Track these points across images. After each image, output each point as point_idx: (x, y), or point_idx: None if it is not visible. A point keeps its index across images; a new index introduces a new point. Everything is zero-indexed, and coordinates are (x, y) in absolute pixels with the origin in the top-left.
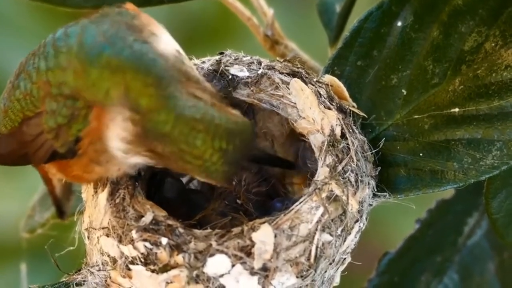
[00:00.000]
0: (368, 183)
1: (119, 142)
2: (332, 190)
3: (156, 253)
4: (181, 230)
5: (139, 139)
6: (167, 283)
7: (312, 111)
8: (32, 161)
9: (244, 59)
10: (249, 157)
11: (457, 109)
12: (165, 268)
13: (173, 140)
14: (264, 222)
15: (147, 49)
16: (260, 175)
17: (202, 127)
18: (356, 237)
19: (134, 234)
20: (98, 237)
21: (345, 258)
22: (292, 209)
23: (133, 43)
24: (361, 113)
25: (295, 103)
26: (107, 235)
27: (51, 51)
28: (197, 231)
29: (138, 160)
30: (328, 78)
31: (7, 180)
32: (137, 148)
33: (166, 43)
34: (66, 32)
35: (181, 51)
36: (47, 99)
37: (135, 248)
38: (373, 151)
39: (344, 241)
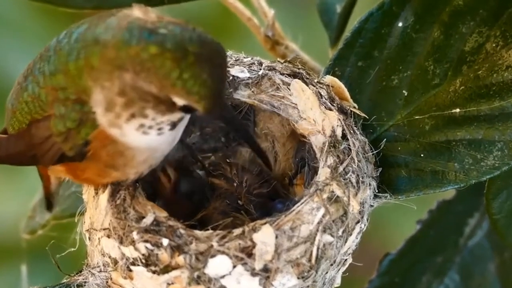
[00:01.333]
0: (369, 184)
1: (108, 114)
2: (333, 191)
3: (157, 254)
4: (182, 231)
5: (112, 86)
6: (168, 284)
7: (313, 112)
8: (41, 163)
9: (245, 60)
10: (225, 97)
11: (458, 110)
12: (166, 269)
13: (143, 50)
14: (265, 223)
15: (109, 19)
16: (261, 176)
17: (166, 31)
18: (357, 238)
19: (135, 235)
20: (99, 238)
21: (346, 259)
22: (293, 210)
23: (107, 21)
24: (362, 114)
25: (296, 104)
26: (108, 236)
27: (53, 55)
28: (198, 232)
29: (130, 128)
30: (329, 78)
31: (7, 180)
32: (116, 101)
33: (132, 8)
34: (66, 35)
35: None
36: (55, 103)
37: (136, 249)
38: (374, 152)
39: (345, 242)
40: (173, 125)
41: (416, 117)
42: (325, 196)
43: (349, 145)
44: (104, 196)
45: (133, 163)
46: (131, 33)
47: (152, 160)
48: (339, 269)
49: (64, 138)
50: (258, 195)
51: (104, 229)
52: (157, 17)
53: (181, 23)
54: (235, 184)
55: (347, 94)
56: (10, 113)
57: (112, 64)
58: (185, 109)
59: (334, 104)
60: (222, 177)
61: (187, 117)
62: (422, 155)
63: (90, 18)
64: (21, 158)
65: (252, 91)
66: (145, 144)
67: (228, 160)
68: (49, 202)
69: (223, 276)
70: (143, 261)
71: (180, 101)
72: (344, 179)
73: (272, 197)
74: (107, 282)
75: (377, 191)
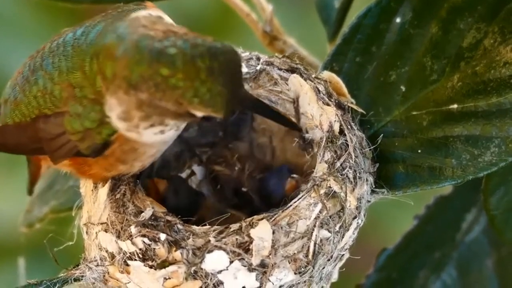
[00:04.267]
0: (367, 180)
1: (121, 123)
2: (330, 187)
3: (154, 249)
4: (180, 226)
5: (129, 101)
6: (165, 279)
7: (310, 107)
8: (50, 157)
9: (243, 55)
10: (242, 93)
11: (455, 106)
12: (163, 264)
13: (155, 73)
14: (262, 219)
15: (118, 24)
16: (262, 163)
17: (176, 50)
18: (354, 234)
19: (132, 229)
20: (96, 233)
21: (343, 255)
22: (291, 205)
23: (116, 26)
24: (360, 110)
25: (293, 99)
26: (106, 231)
27: (71, 52)
28: (196, 227)
29: (147, 132)
30: (327, 74)
31: (4, 178)
32: (134, 114)
33: (144, 11)
34: (84, 32)
35: (162, 15)
36: (70, 101)
37: (133, 243)
38: (372, 147)
39: (342, 237)
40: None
41: (414, 113)
42: (322, 191)
43: (347, 141)
44: (103, 190)
45: (143, 158)
46: (141, 53)
47: (158, 153)
48: (336, 265)
49: (81, 137)
50: (260, 180)
51: (101, 223)
52: (164, 32)
53: (189, 36)
54: (236, 169)
55: (344, 89)
56: (12, 105)
57: (127, 82)
58: (205, 118)
59: (332, 100)
60: (224, 164)
61: None
62: (419, 151)
63: (105, 15)
64: (20, 149)
65: (250, 86)
66: (160, 140)
67: (229, 146)
68: (32, 187)
69: (220, 271)
70: (140, 255)
71: (199, 113)
72: (341, 175)
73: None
74: (104, 276)
75: (374, 186)
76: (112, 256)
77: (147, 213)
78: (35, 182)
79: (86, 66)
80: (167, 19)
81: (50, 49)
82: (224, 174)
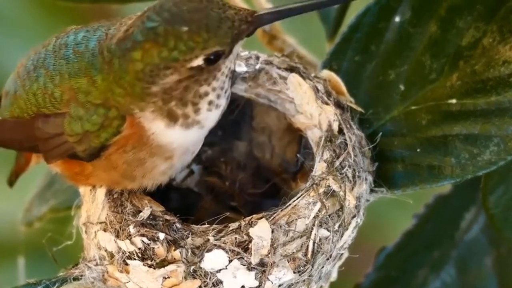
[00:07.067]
0: (366, 179)
1: (172, 123)
2: (329, 186)
3: (153, 248)
4: (179, 225)
5: (161, 105)
6: (164, 278)
7: (309, 106)
8: (44, 157)
9: (242, 54)
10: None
11: (454, 103)
12: (163, 263)
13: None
14: (261, 218)
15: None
16: (258, 172)
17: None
18: (353, 233)
19: (131, 229)
20: (95, 232)
21: (342, 254)
22: (290, 204)
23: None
24: (359, 108)
25: (292, 98)
26: (105, 230)
27: (72, 56)
28: (195, 226)
29: (203, 111)
30: (326, 73)
31: (5, 179)
32: (176, 109)
33: None
34: (84, 37)
35: None
36: (72, 104)
37: (132, 243)
38: (371, 146)
39: (341, 236)
40: (229, 79)
41: (413, 110)
42: (321, 190)
43: (346, 140)
44: (101, 190)
45: (152, 174)
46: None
47: (172, 171)
48: (335, 264)
49: (79, 139)
50: (252, 195)
51: (100, 223)
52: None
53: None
54: (227, 184)
55: (343, 88)
56: (12, 99)
57: (151, 77)
58: (212, 59)
59: (331, 99)
60: (216, 176)
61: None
62: (418, 149)
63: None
64: (15, 144)
65: (249, 85)
66: (198, 134)
67: (222, 159)
68: (14, 179)
69: (219, 271)
70: (139, 255)
71: (199, 60)
72: (340, 174)
73: (268, 195)
74: (103, 275)
75: (373, 185)
76: (111, 256)
77: (145, 213)
78: (19, 174)
79: (94, 76)
80: None
81: (53, 48)
82: (218, 186)
